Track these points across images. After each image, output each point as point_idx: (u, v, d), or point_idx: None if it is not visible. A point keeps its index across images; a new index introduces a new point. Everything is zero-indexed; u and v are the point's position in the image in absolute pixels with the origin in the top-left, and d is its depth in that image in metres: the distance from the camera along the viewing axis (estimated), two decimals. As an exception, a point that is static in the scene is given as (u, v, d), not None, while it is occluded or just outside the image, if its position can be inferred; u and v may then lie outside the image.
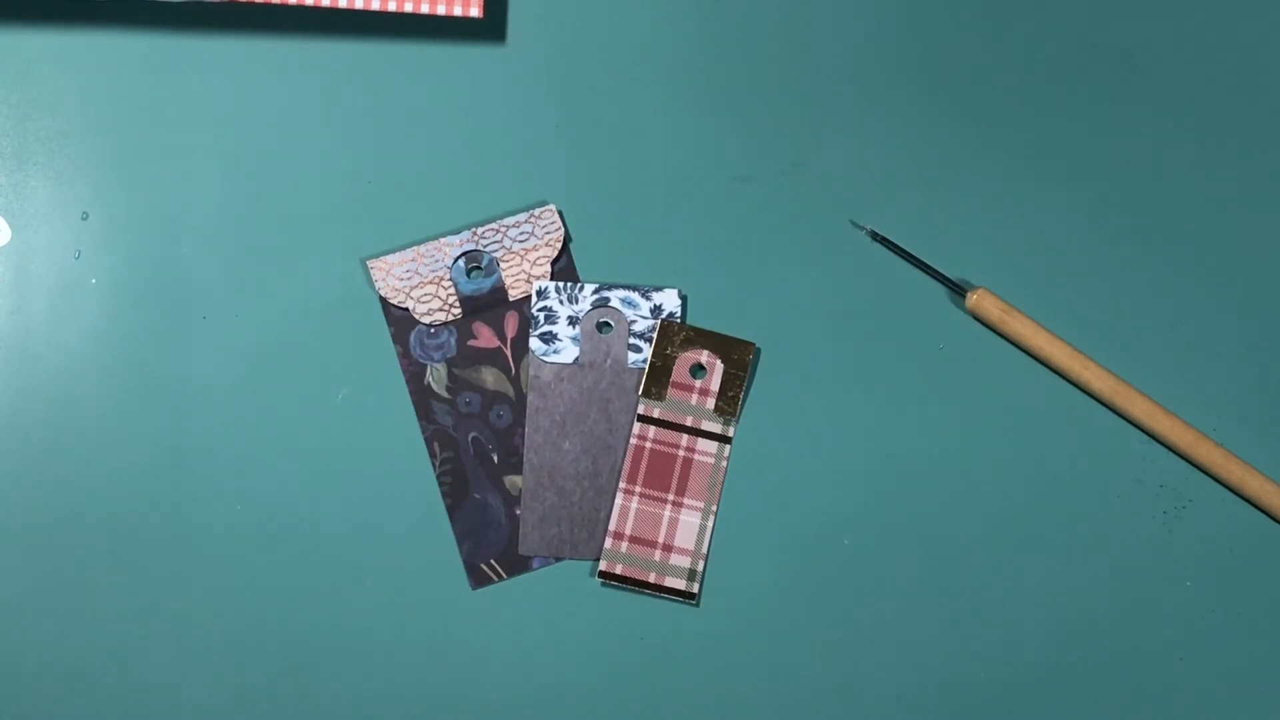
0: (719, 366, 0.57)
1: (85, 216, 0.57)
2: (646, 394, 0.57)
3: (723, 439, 0.57)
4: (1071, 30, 0.58)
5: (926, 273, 0.57)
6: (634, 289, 0.57)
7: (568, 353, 0.57)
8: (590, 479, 0.57)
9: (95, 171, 0.57)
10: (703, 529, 0.56)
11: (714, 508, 0.56)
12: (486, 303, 0.57)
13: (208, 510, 0.56)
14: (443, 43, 0.58)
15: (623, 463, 0.57)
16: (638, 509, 0.56)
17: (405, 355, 0.57)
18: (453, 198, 0.57)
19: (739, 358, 0.57)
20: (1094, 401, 0.57)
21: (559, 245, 0.57)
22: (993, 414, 0.57)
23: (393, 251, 0.57)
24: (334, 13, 0.58)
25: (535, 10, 0.58)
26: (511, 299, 0.57)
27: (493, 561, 0.56)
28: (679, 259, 0.57)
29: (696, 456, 0.57)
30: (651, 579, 0.56)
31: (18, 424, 0.56)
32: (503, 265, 0.57)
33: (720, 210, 0.58)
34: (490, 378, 0.57)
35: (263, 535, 0.56)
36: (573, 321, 0.57)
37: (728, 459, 0.57)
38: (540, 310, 0.57)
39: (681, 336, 0.57)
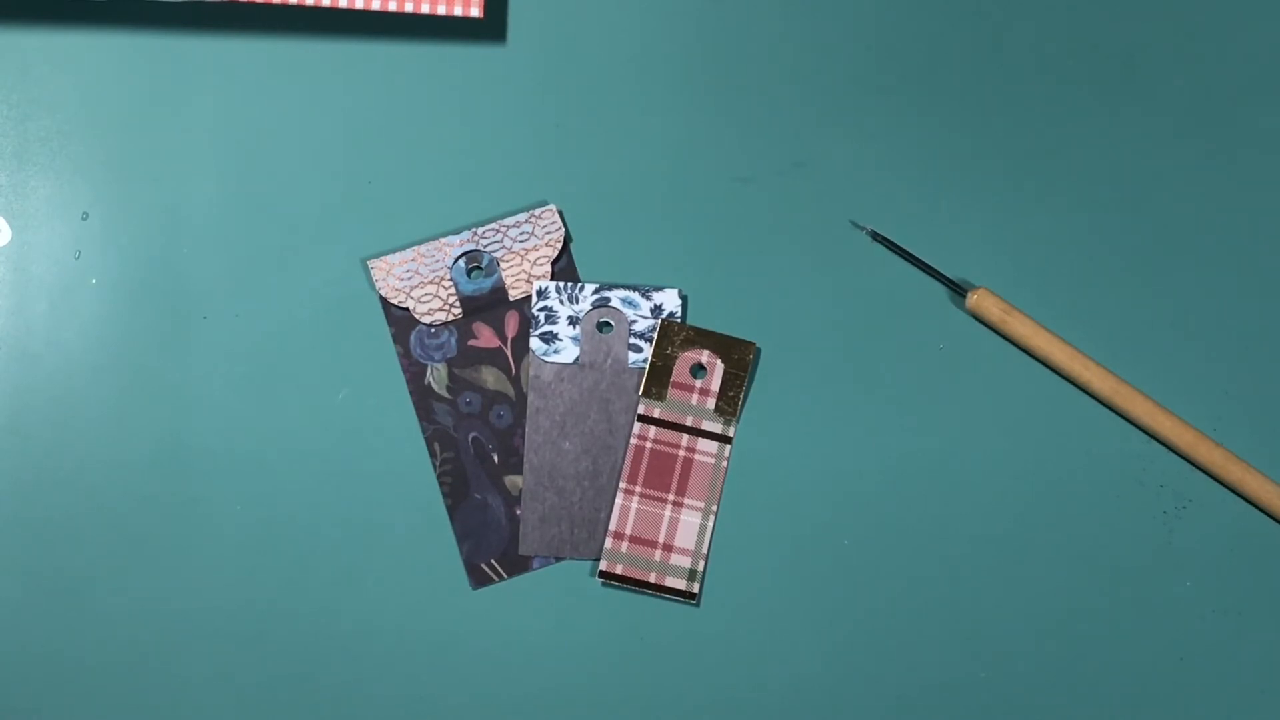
0: (719, 366, 0.57)
1: (85, 216, 0.57)
2: (647, 394, 0.57)
3: (723, 439, 0.57)
4: (1072, 31, 0.58)
5: (926, 273, 0.57)
6: (634, 289, 0.57)
7: (568, 353, 0.57)
8: (590, 479, 0.57)
9: (95, 171, 0.57)
10: (703, 529, 0.56)
11: (714, 508, 0.56)
12: (487, 303, 0.57)
13: (208, 510, 0.56)
14: (443, 43, 0.58)
15: (623, 463, 0.57)
16: (638, 509, 0.56)
17: (405, 355, 0.57)
18: (453, 198, 0.57)
19: (739, 358, 0.57)
20: (1094, 401, 0.57)
21: (559, 245, 0.57)
22: (993, 414, 0.57)
23: (393, 251, 0.57)
24: (334, 13, 0.58)
25: (535, 10, 0.58)
26: (512, 299, 0.57)
27: (493, 561, 0.56)
28: (679, 259, 0.57)
29: (697, 456, 0.57)
30: (652, 579, 0.56)
31: (18, 424, 0.56)
32: (503, 265, 0.57)
33: (720, 210, 0.58)
34: (490, 378, 0.57)
35: (263, 535, 0.56)
36: (573, 321, 0.57)
37: (728, 459, 0.57)
38: (540, 310, 0.57)
39: (682, 336, 0.57)
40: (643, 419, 0.57)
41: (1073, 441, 0.57)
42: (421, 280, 0.57)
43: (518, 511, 0.57)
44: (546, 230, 0.57)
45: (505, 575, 0.56)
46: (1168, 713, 0.56)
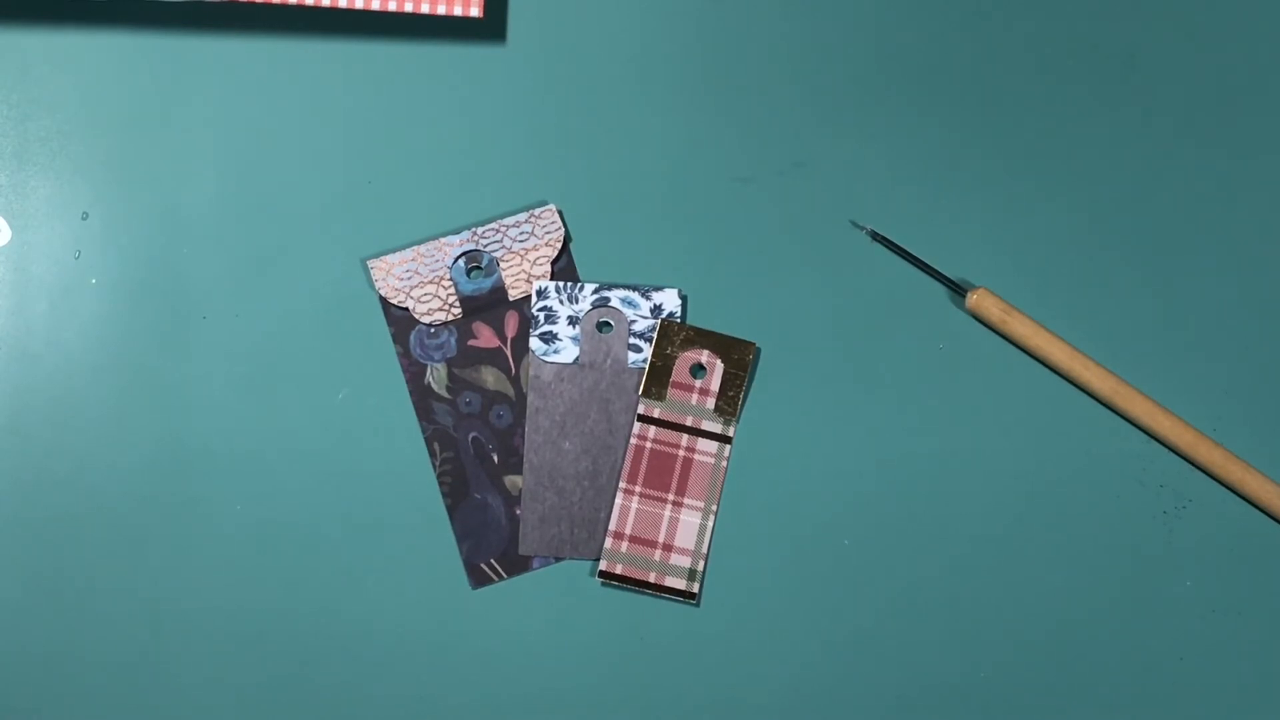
0: (719, 366, 0.57)
1: (85, 216, 0.57)
2: (646, 394, 0.57)
3: (723, 439, 0.57)
4: (1073, 30, 0.58)
5: (926, 273, 0.57)
6: (634, 289, 0.57)
7: (568, 353, 0.57)
8: (590, 479, 0.57)
9: (95, 171, 0.57)
10: (703, 529, 0.56)
11: (714, 508, 0.56)
12: (486, 303, 0.57)
13: (208, 510, 0.56)
14: (443, 43, 0.58)
15: (623, 463, 0.57)
16: (638, 509, 0.56)
17: (405, 355, 0.57)
18: (453, 198, 0.57)
19: (739, 358, 0.57)
20: (1094, 401, 0.57)
21: (559, 245, 0.57)
22: (993, 414, 0.57)
23: (393, 251, 0.57)
24: (334, 13, 0.58)
25: (535, 10, 0.58)
26: (511, 299, 0.57)
27: (493, 561, 0.56)
28: (679, 259, 0.57)
29: (696, 456, 0.57)
30: (651, 579, 0.56)
31: (18, 424, 0.56)
32: (503, 265, 0.57)
33: (720, 210, 0.58)
34: (490, 378, 0.57)
35: (263, 535, 0.56)
36: (573, 321, 0.57)
37: (728, 459, 0.57)
38: (540, 310, 0.57)
39: (681, 336, 0.57)
40: (643, 419, 0.57)
41: (1073, 441, 0.57)
42: (421, 280, 0.57)
43: (518, 511, 0.57)
44: (546, 230, 0.57)
45: (505, 575, 0.56)
46: (1168, 713, 0.56)
